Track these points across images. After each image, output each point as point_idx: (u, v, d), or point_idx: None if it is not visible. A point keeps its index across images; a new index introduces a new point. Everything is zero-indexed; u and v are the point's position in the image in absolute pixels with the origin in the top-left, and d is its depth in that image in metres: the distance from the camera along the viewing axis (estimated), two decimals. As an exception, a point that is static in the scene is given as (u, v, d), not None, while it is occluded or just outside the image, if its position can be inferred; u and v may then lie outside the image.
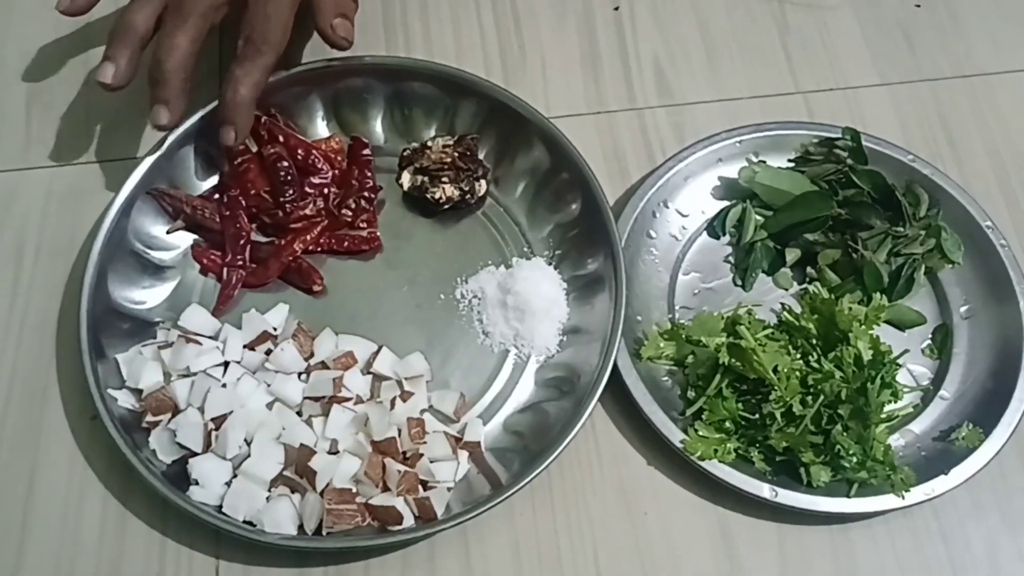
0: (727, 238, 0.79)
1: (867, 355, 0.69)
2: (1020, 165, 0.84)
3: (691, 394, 0.71)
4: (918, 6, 0.91)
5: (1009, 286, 0.74)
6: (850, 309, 0.71)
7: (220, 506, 0.66)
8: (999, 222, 0.77)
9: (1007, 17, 0.91)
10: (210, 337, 0.72)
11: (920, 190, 0.77)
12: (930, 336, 0.76)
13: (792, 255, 0.77)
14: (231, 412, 0.68)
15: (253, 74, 0.72)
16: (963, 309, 0.76)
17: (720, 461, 0.68)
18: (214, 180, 0.79)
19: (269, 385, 0.70)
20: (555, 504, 0.70)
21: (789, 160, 0.80)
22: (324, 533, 0.65)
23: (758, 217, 0.78)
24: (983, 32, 0.90)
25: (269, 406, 0.70)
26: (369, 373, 0.72)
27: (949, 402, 0.73)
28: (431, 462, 0.68)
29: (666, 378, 0.73)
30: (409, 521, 0.66)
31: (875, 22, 0.90)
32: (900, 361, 0.71)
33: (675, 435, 0.69)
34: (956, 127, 0.85)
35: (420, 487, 0.67)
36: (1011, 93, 0.87)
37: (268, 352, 0.71)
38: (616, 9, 0.90)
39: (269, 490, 0.67)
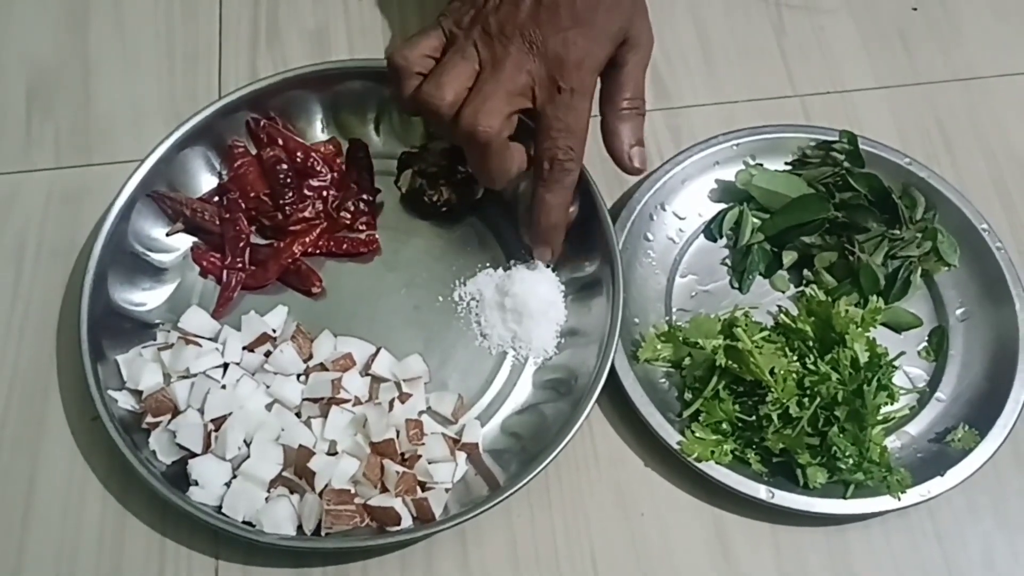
0: (724, 241, 0.79)
1: (863, 357, 0.69)
2: (1016, 168, 0.84)
3: (688, 396, 0.71)
4: (915, 9, 0.92)
5: (1005, 288, 0.75)
6: (846, 311, 0.71)
7: (219, 507, 0.66)
8: (995, 225, 0.77)
9: (1004, 20, 0.91)
10: (210, 339, 0.72)
11: (916, 193, 0.77)
12: (926, 338, 0.76)
13: (789, 258, 0.77)
14: (230, 413, 0.68)
15: (564, 195, 0.70)
16: (959, 312, 0.76)
17: (717, 462, 0.68)
18: (214, 182, 0.79)
19: (268, 386, 0.70)
20: (552, 505, 0.70)
21: (786, 163, 0.80)
22: (323, 534, 0.65)
23: (755, 220, 0.78)
24: (980, 35, 0.90)
25: (268, 407, 0.70)
26: (367, 375, 0.72)
27: (945, 404, 0.73)
28: (429, 463, 0.68)
29: (663, 380, 0.73)
30: (407, 522, 0.66)
31: (872, 25, 0.91)
32: (896, 363, 0.71)
33: (672, 437, 0.69)
34: (953, 130, 0.85)
35: (418, 488, 0.67)
36: (1007, 96, 0.87)
37: (267, 354, 0.72)
38: (614, 12, 0.90)
39: (268, 491, 0.67)
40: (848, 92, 0.87)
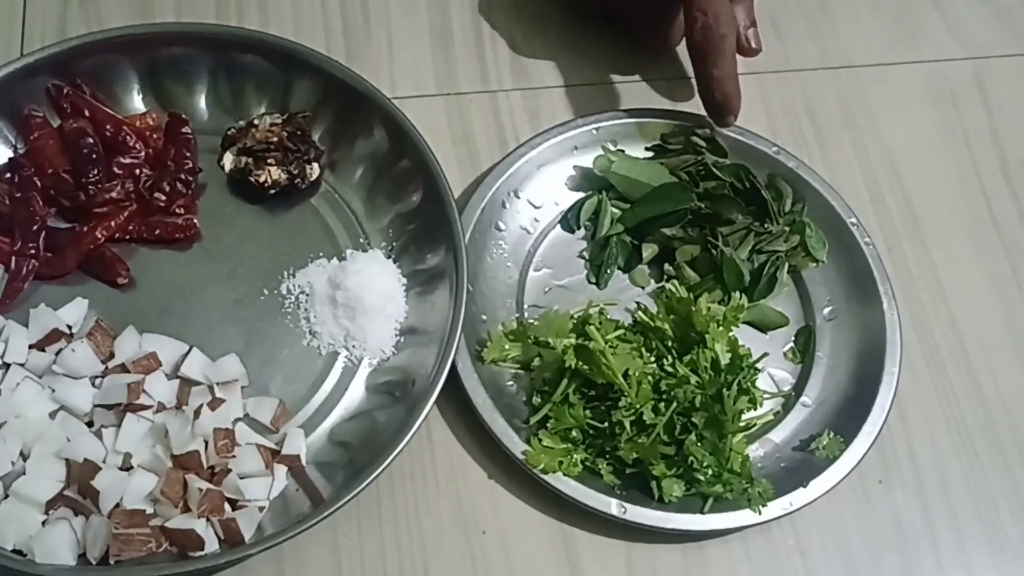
0: (582, 232, 0.75)
1: (725, 358, 0.65)
2: (886, 160, 0.81)
3: (536, 400, 0.66)
4: (789, -6, 0.88)
5: (873, 286, 0.72)
6: (708, 309, 0.67)
7: (-15, 533, 0.58)
8: (864, 219, 0.75)
9: (877, 9, 0.89)
10: (-11, 335, 0.65)
11: (784, 184, 0.74)
12: (792, 339, 0.73)
13: (649, 251, 0.73)
14: (4, 423, 0.61)
15: (729, 64, 0.72)
16: (827, 310, 0.73)
17: (565, 474, 0.64)
18: (5, 156, 0.72)
19: (55, 391, 0.63)
20: (384, 522, 0.65)
21: (646, 149, 0.77)
22: (111, 562, 0.59)
23: (614, 210, 0.74)
24: (853, 24, 0.88)
25: (53, 415, 0.63)
26: (177, 377, 0.66)
27: (811, 409, 0.70)
28: (241, 478, 0.62)
29: (511, 383, 0.68)
30: (213, 546, 0.60)
31: (744, 10, 0.87)
32: (760, 365, 0.67)
33: (517, 445, 0.64)
34: (823, 120, 0.82)
35: (227, 507, 0.61)
36: (880, 87, 0.85)
37: (59, 353, 0.64)
38: (472, -16, 0.85)
39: (46, 513, 0.60)
40: (717, 77, 0.83)
